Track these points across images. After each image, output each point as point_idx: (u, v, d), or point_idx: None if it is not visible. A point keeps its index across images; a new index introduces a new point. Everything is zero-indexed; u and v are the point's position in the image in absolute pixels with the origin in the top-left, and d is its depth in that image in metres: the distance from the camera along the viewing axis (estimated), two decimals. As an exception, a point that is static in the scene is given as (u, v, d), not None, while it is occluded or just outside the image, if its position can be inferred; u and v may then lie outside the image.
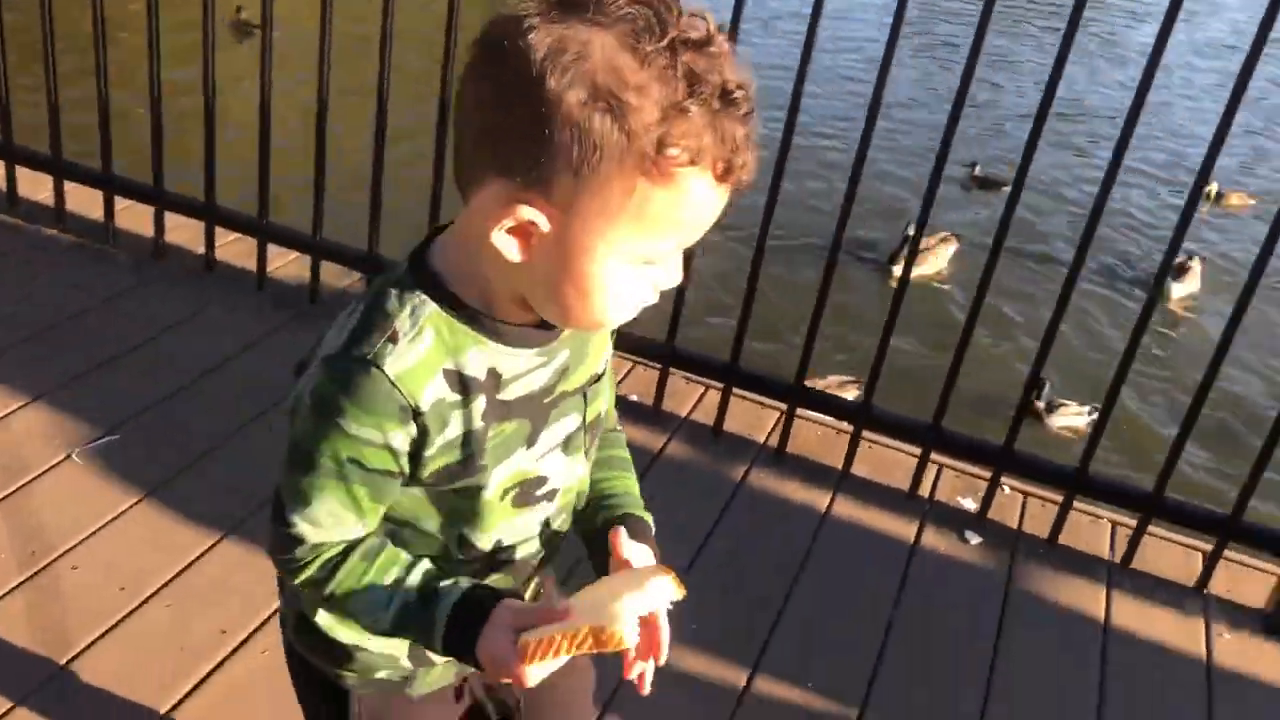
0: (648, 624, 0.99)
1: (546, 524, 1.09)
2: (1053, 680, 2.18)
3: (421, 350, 0.93)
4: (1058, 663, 2.22)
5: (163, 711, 1.84)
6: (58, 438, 2.39)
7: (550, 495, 1.07)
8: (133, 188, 3.11)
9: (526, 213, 0.87)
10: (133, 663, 1.91)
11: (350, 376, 0.92)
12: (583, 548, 1.15)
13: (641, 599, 0.93)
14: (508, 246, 0.89)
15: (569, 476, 1.09)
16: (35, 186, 3.27)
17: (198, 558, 2.13)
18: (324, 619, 1.11)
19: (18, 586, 2.04)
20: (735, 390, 2.72)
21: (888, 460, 2.70)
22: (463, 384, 0.95)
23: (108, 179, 3.11)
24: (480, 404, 0.97)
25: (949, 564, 2.44)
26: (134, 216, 3.14)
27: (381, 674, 1.14)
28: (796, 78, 2.33)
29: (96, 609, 2.00)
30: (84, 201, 3.20)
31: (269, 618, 2.00)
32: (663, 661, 1.01)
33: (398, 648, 1.11)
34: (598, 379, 1.08)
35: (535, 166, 0.84)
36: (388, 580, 1.00)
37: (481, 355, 0.96)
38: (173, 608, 2.02)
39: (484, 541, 1.05)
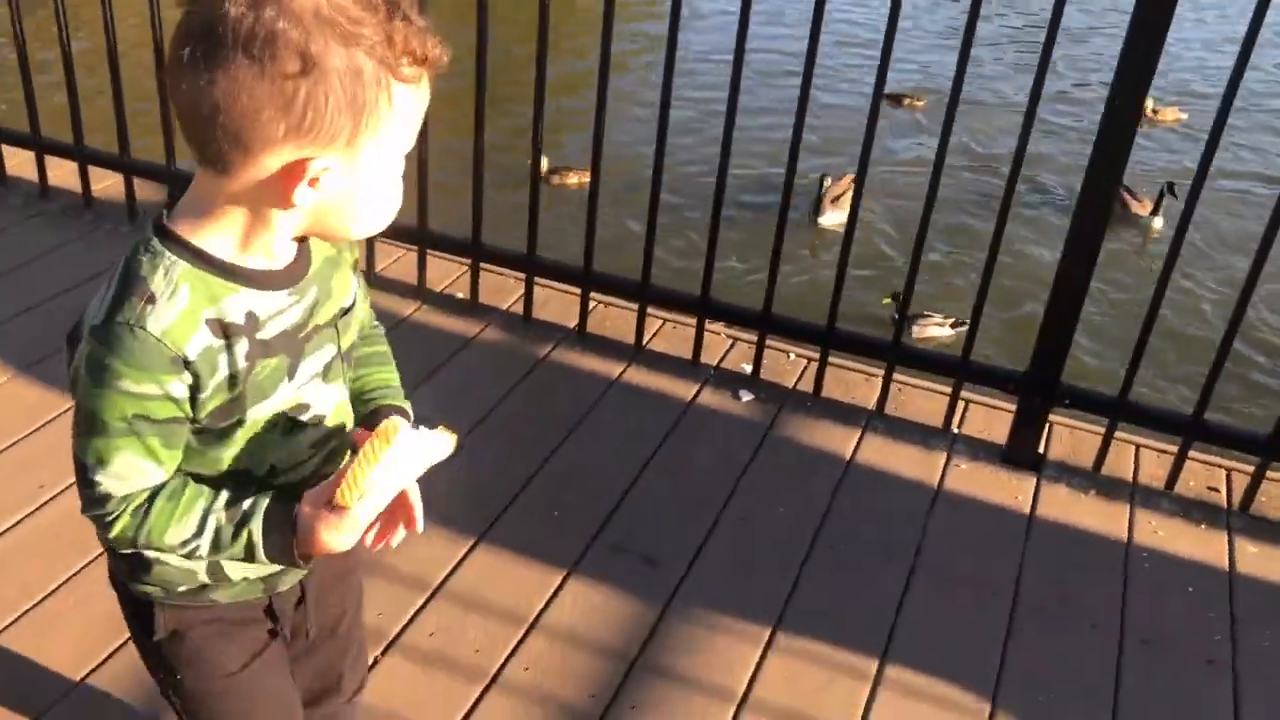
0: (402, 496, 1.12)
1: (317, 445, 1.16)
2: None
3: (180, 306, 1.00)
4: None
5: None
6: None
7: (316, 422, 1.15)
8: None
9: (318, 164, 0.97)
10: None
11: (119, 341, 0.98)
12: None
13: (415, 437, 1.07)
14: (305, 197, 0.99)
15: (330, 402, 1.17)
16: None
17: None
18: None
19: None
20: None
21: (676, 338, 2.92)
22: (224, 329, 1.03)
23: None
24: (243, 345, 1.04)
25: (722, 418, 2.65)
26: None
27: (182, 588, 1.19)
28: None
29: None
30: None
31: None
32: (419, 530, 1.16)
33: (199, 565, 1.16)
34: (346, 312, 1.16)
35: (320, 125, 0.95)
36: (195, 513, 1.09)
37: (238, 301, 1.03)
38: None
39: (260, 468, 1.13)
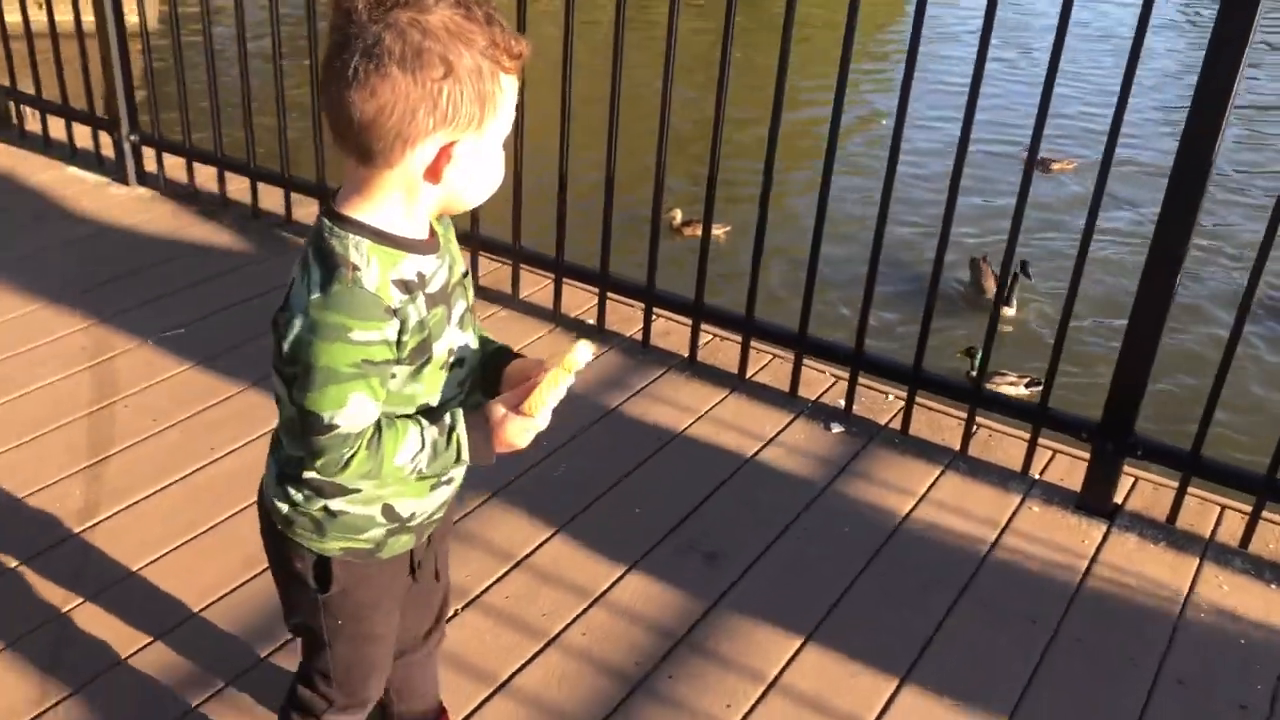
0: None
1: (461, 383, 1.44)
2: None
3: (375, 271, 1.27)
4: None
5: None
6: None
7: (461, 362, 1.42)
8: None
9: (460, 147, 1.25)
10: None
11: (344, 301, 1.24)
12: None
13: (574, 354, 1.37)
14: (449, 174, 1.26)
15: (469, 345, 1.44)
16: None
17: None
18: (318, 502, 1.42)
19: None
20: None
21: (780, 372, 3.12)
22: (406, 287, 1.29)
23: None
24: (421, 298, 1.31)
25: (808, 445, 2.84)
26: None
27: (364, 535, 1.45)
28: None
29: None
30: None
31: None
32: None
33: (373, 509, 1.44)
34: (465, 274, 1.45)
35: (458, 115, 1.22)
36: (413, 435, 1.36)
37: (409, 264, 1.30)
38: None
39: (433, 399, 1.40)
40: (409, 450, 1.35)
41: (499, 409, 1.39)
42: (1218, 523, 2.64)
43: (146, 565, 2.31)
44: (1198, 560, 2.52)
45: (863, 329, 2.89)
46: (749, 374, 3.11)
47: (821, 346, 3.00)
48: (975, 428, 2.88)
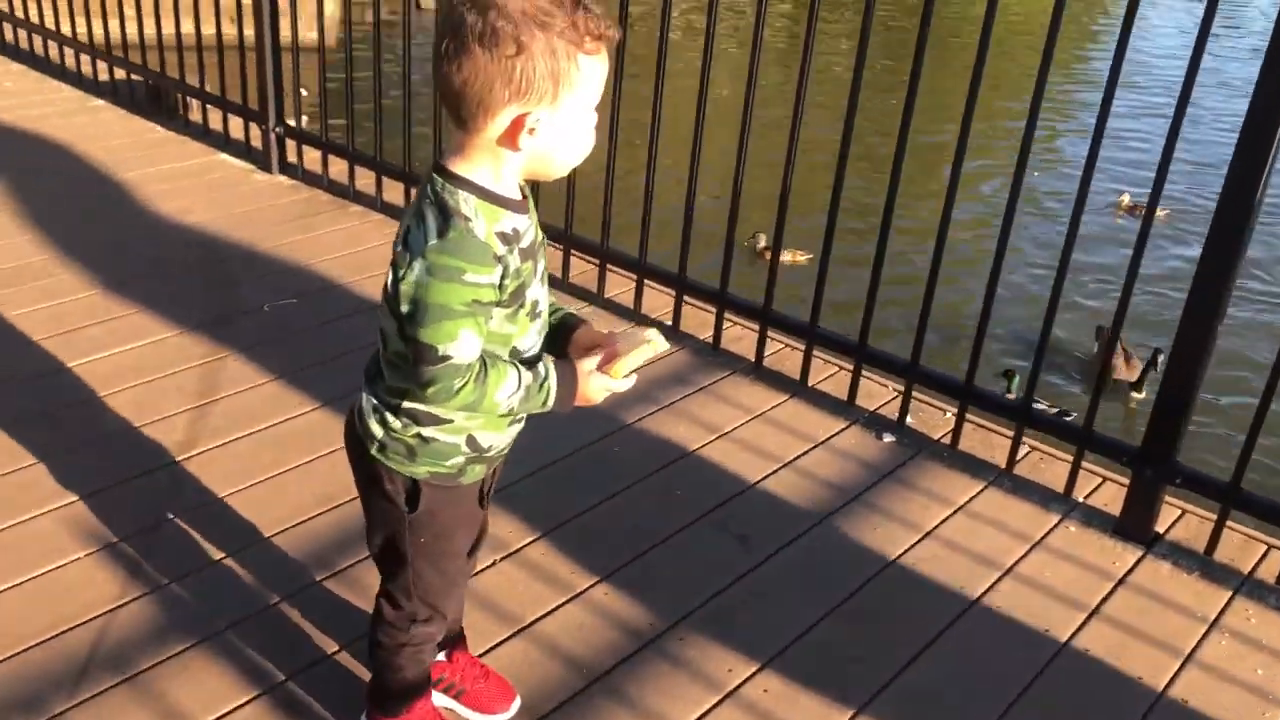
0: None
1: (540, 332, 1.63)
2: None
3: (482, 223, 1.46)
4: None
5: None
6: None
7: (539, 314, 1.61)
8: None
9: (533, 118, 1.42)
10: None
11: (459, 247, 1.43)
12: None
13: (659, 339, 1.61)
14: (526, 142, 1.43)
15: (546, 300, 1.64)
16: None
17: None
18: (412, 429, 1.60)
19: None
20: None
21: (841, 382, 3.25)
22: (505, 239, 1.48)
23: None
24: (517, 250, 1.50)
25: (858, 451, 2.95)
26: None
27: (449, 461, 1.63)
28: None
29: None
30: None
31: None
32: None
33: (459, 439, 1.62)
34: (543, 238, 1.62)
35: (531, 89, 1.39)
36: (511, 375, 1.54)
37: (508, 219, 1.49)
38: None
39: (523, 346, 1.59)
40: (508, 388, 1.53)
41: (586, 364, 1.59)
42: (1261, 560, 2.62)
43: (230, 494, 2.57)
44: (1230, 593, 2.52)
45: (919, 342, 2.97)
46: (812, 382, 3.23)
47: (878, 357, 3.09)
48: (1027, 450, 2.94)
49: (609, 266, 3.60)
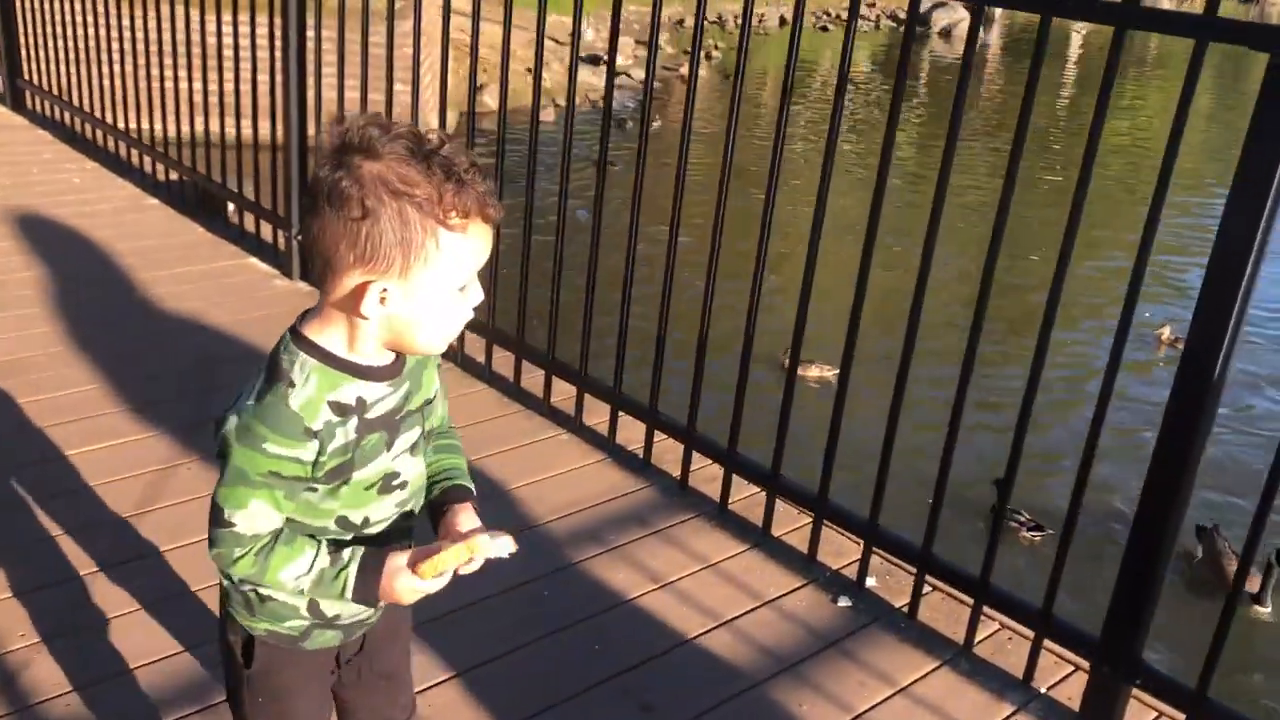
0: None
1: (400, 505, 1.52)
2: None
3: (310, 390, 1.36)
4: None
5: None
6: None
7: (402, 485, 1.50)
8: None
9: (378, 286, 1.32)
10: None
11: (267, 414, 1.35)
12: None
13: (492, 538, 1.41)
14: (373, 310, 1.33)
15: (414, 471, 1.52)
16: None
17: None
18: (245, 583, 1.50)
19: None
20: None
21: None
22: (341, 409, 1.38)
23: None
24: (354, 422, 1.40)
25: (806, 615, 2.76)
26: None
27: (288, 624, 1.53)
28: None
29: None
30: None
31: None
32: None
33: (299, 601, 1.51)
34: (429, 402, 1.52)
35: (376, 256, 1.30)
36: (304, 556, 1.42)
37: (351, 389, 1.39)
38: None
39: (358, 519, 1.47)
40: (295, 570, 1.42)
41: (397, 560, 1.45)
42: (1239, 780, 2.31)
43: (128, 613, 2.51)
44: (1194, 818, 2.21)
45: (877, 499, 2.77)
46: (778, 531, 3.04)
47: (841, 514, 2.89)
48: (996, 627, 2.69)
49: (586, 394, 3.49)
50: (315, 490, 1.41)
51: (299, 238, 4.45)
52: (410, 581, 1.43)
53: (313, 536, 1.45)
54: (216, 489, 1.38)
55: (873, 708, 2.43)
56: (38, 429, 3.24)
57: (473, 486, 1.59)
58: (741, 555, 2.95)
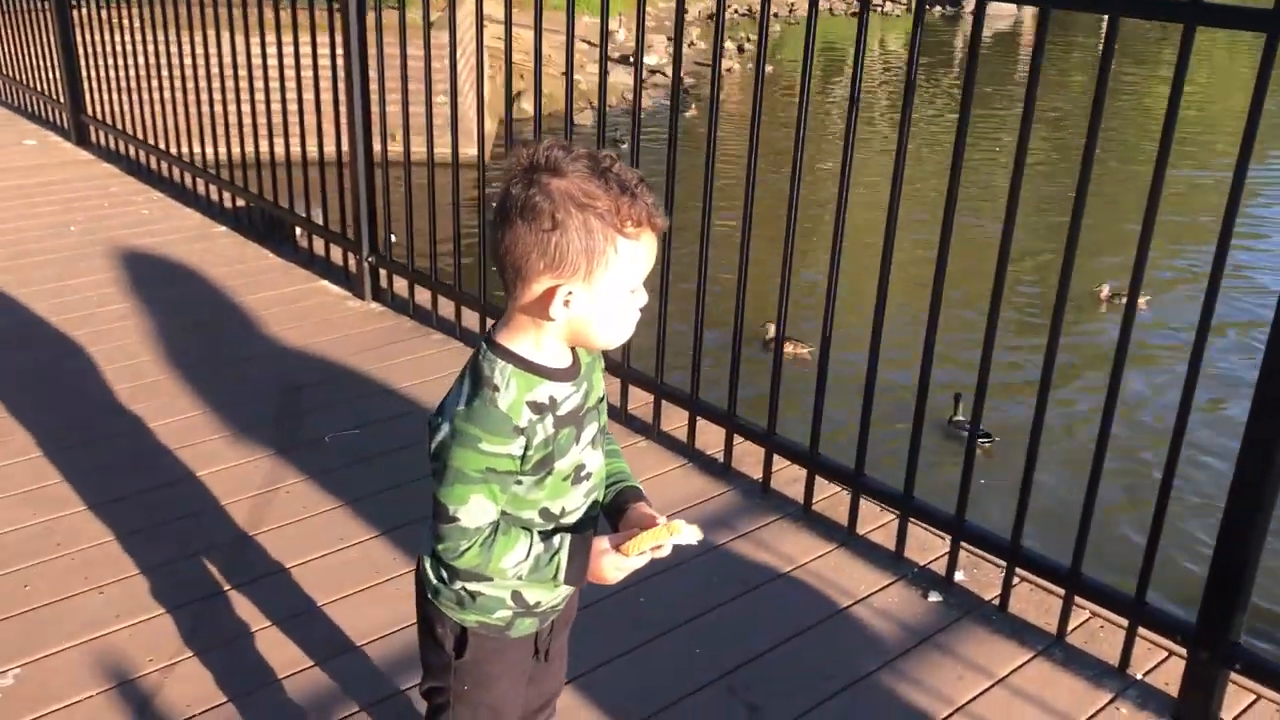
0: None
1: (588, 495, 1.68)
2: None
3: (512, 393, 1.52)
4: None
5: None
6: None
7: (588, 476, 1.66)
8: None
9: (564, 290, 1.48)
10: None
11: (479, 416, 1.51)
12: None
13: (684, 526, 1.57)
14: (559, 312, 1.49)
15: (596, 463, 1.68)
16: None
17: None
18: (460, 582, 1.66)
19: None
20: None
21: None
22: (538, 408, 1.54)
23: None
24: (550, 419, 1.55)
25: (897, 610, 2.83)
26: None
27: (496, 615, 1.69)
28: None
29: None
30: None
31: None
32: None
33: (505, 593, 1.67)
34: (601, 400, 1.69)
35: (564, 263, 1.46)
36: (521, 544, 1.59)
37: (544, 389, 1.55)
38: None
39: (556, 509, 1.63)
40: (514, 557, 1.58)
41: (603, 542, 1.62)
42: (1342, 760, 2.35)
43: (261, 629, 2.62)
44: (1299, 798, 2.25)
45: (964, 497, 2.82)
46: (863, 530, 3.10)
47: (926, 511, 2.94)
48: (1087, 615, 2.73)
49: (664, 400, 3.56)
50: (521, 483, 1.57)
51: (370, 259, 4.57)
52: (616, 560, 1.60)
53: (524, 529, 1.60)
54: (438, 489, 1.54)
55: (973, 699, 2.49)
56: (138, 459, 3.37)
57: (641, 487, 1.75)
58: (829, 555, 3.01)
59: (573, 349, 1.59)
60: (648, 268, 1.52)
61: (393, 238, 4.57)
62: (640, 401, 3.67)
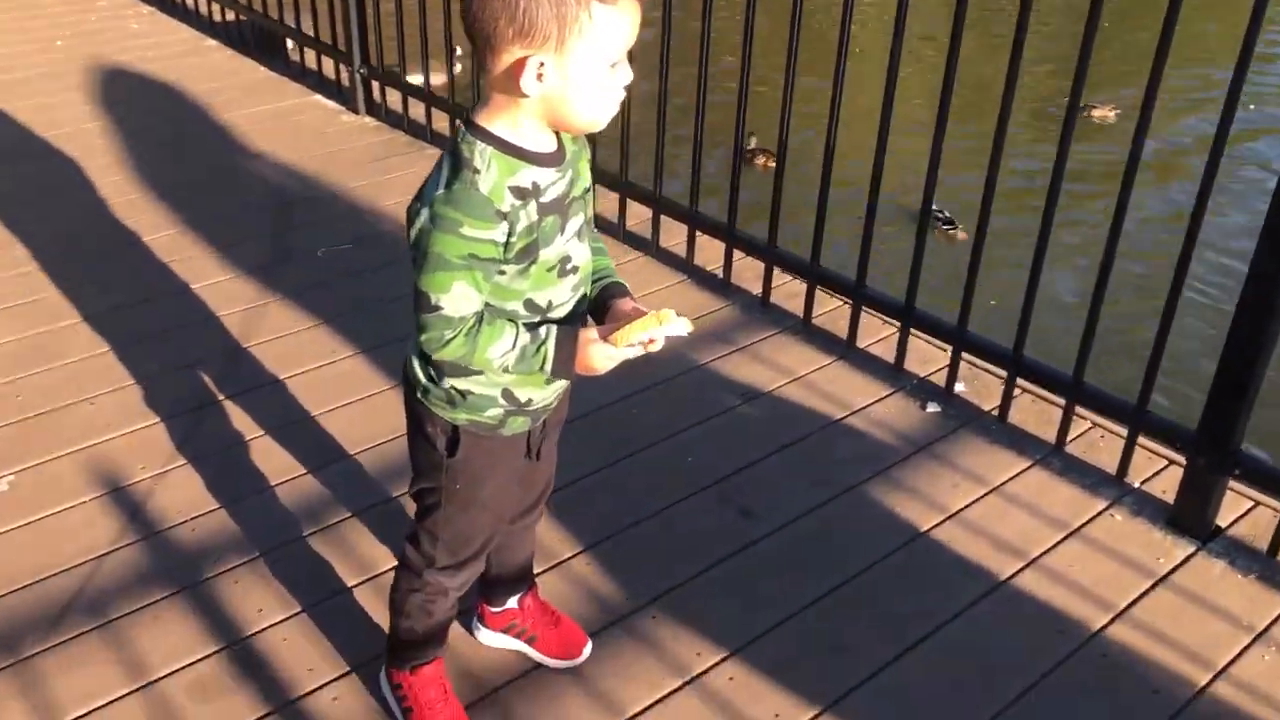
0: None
1: (575, 289, 1.60)
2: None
3: (493, 175, 1.43)
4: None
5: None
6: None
7: (574, 269, 1.58)
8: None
9: (535, 61, 1.36)
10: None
11: (460, 199, 1.41)
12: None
13: (674, 315, 1.49)
14: (531, 86, 1.38)
15: (583, 256, 1.60)
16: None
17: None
18: (449, 380, 1.60)
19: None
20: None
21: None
22: (520, 193, 1.45)
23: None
24: (533, 205, 1.47)
25: (895, 420, 2.79)
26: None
27: (488, 413, 1.63)
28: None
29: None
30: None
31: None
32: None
33: (494, 391, 1.62)
34: (587, 190, 1.60)
35: (534, 30, 1.34)
36: (507, 334, 1.52)
37: (526, 173, 1.45)
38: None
39: (542, 301, 1.55)
40: (500, 348, 1.51)
41: (591, 332, 1.55)
42: (1339, 565, 2.33)
43: (255, 438, 2.61)
44: (1289, 601, 2.25)
45: (966, 307, 2.74)
46: (863, 343, 3.04)
47: (928, 321, 2.87)
48: (1088, 425, 2.70)
49: (663, 215, 3.46)
50: (505, 273, 1.49)
51: (362, 71, 4.40)
52: (604, 349, 1.53)
53: (509, 320, 1.53)
54: (419, 278, 1.45)
55: (967, 506, 2.48)
56: (129, 272, 3.32)
57: (626, 284, 1.67)
58: (828, 367, 2.97)
59: (557, 134, 1.50)
60: (629, 38, 1.40)
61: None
62: (639, 218, 3.57)
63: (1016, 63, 2.43)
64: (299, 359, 2.92)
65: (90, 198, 3.78)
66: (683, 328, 1.50)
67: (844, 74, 2.79)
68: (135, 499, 2.42)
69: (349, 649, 2.07)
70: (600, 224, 3.61)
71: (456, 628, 2.01)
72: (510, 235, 1.45)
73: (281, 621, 2.13)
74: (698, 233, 3.37)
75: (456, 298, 1.46)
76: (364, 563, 2.27)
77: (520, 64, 1.37)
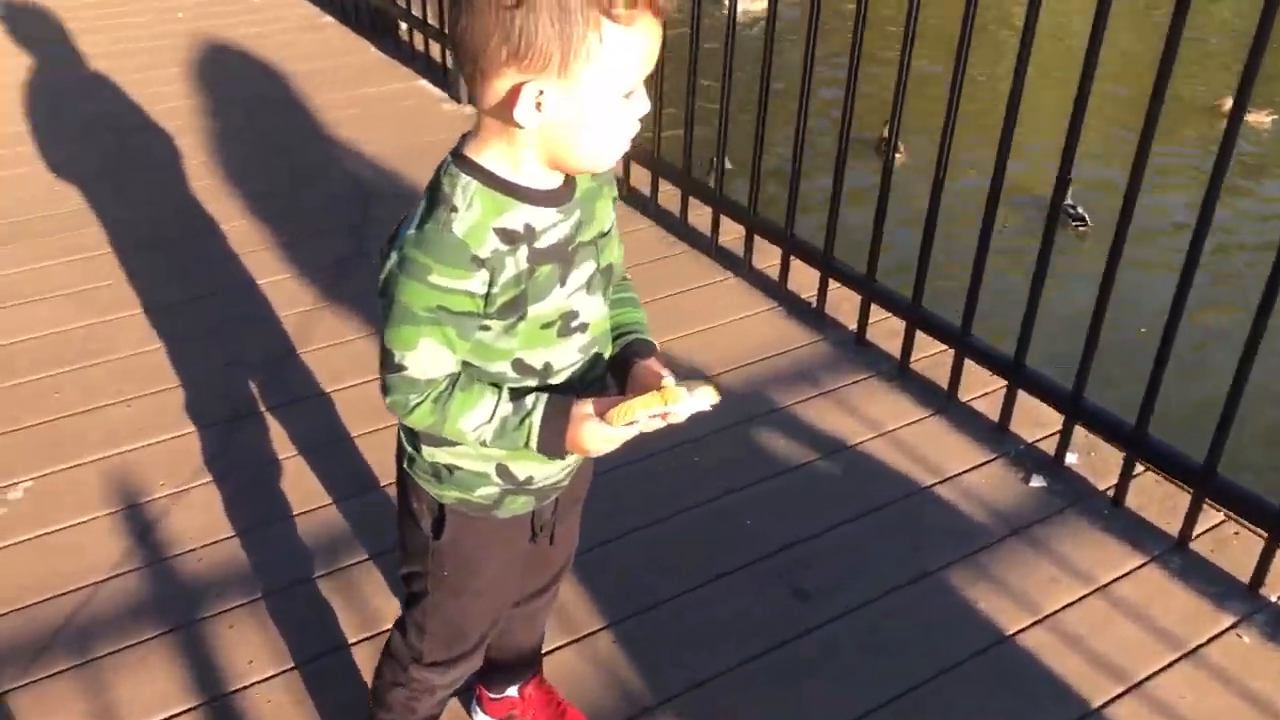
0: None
1: (584, 350, 1.35)
2: None
3: (474, 214, 1.20)
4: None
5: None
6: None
7: (582, 327, 1.33)
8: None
9: (534, 88, 1.13)
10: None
11: (430, 242, 1.18)
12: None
13: (690, 389, 1.24)
14: (528, 117, 1.15)
15: (594, 312, 1.34)
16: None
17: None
18: (431, 451, 1.38)
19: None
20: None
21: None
22: (509, 236, 1.21)
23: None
24: (524, 251, 1.23)
25: (992, 495, 2.45)
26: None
27: (479, 492, 1.40)
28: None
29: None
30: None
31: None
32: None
33: (487, 467, 1.38)
34: (604, 234, 1.34)
35: (532, 51, 1.11)
36: (485, 402, 1.28)
37: (518, 214, 1.22)
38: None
39: (537, 362, 1.31)
40: (475, 419, 1.28)
41: (583, 406, 1.29)
42: None
43: (289, 457, 2.45)
44: None
45: (1085, 368, 2.37)
46: (966, 397, 2.69)
47: (1039, 381, 2.51)
48: (1220, 519, 2.31)
49: (756, 235, 3.17)
50: (489, 329, 1.26)
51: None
52: (599, 429, 1.27)
53: (494, 385, 1.29)
54: (383, 332, 1.24)
55: (1064, 608, 2.13)
56: (196, 264, 3.21)
57: (656, 342, 1.42)
58: (922, 423, 2.63)
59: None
60: (647, 64, 1.15)
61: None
62: (732, 235, 3.28)
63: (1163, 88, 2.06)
64: (350, 371, 2.74)
65: (172, 178, 3.70)
66: (705, 401, 1.23)
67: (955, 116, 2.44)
68: (148, 518, 2.28)
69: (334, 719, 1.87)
70: (693, 240, 3.35)
71: (454, 704, 1.79)
72: (491, 286, 1.21)
73: (270, 678, 1.94)
74: (792, 257, 3.06)
75: (423, 357, 1.23)
76: (369, 617, 2.07)
77: (516, 91, 1.13)
